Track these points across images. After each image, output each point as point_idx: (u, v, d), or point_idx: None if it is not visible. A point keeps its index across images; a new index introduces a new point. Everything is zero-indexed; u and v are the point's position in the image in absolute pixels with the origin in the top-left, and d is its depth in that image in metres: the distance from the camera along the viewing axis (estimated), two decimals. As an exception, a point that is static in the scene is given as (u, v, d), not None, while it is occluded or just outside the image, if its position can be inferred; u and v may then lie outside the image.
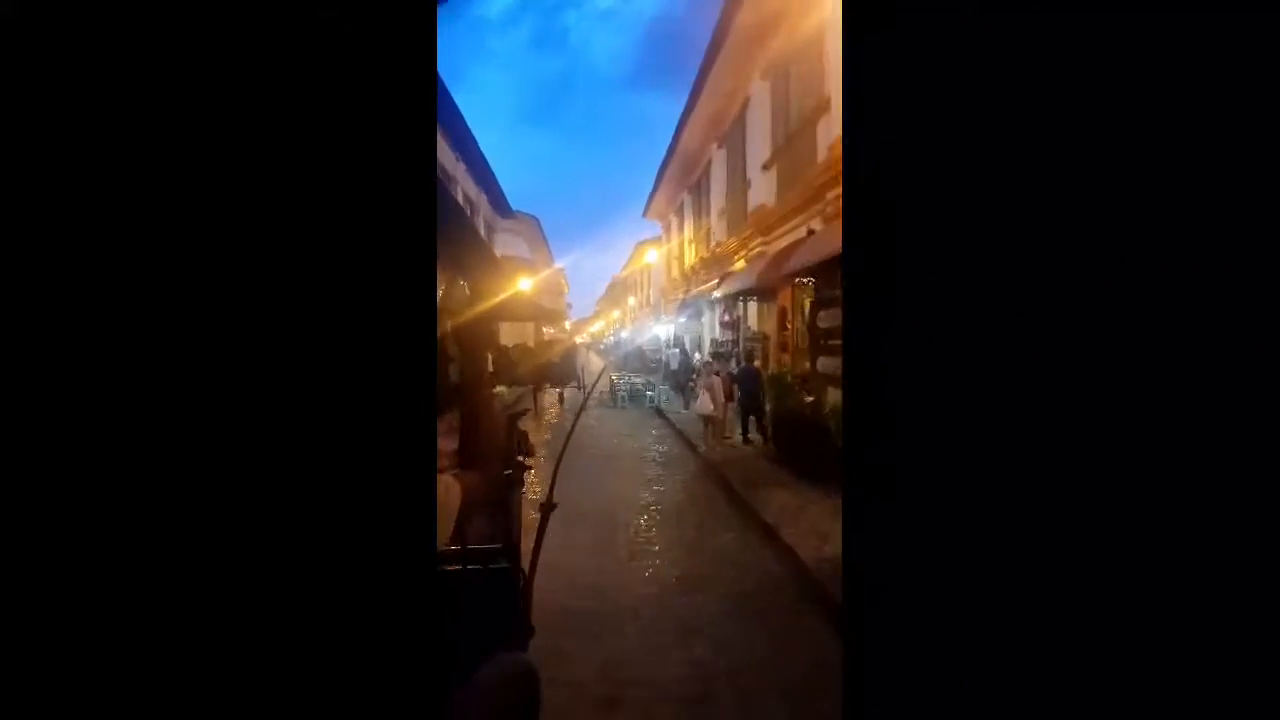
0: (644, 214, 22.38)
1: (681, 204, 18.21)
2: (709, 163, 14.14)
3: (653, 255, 21.72)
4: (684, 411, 11.80)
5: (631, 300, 33.47)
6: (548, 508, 1.81)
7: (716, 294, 11.35)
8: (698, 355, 14.39)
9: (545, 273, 25.27)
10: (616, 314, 41.85)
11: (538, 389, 13.61)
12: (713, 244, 13.52)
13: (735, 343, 12.10)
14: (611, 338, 42.55)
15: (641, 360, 22.83)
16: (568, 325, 48.41)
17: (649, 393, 13.72)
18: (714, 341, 13.41)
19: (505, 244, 19.70)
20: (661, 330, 22.27)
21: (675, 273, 19.26)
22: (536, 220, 26.97)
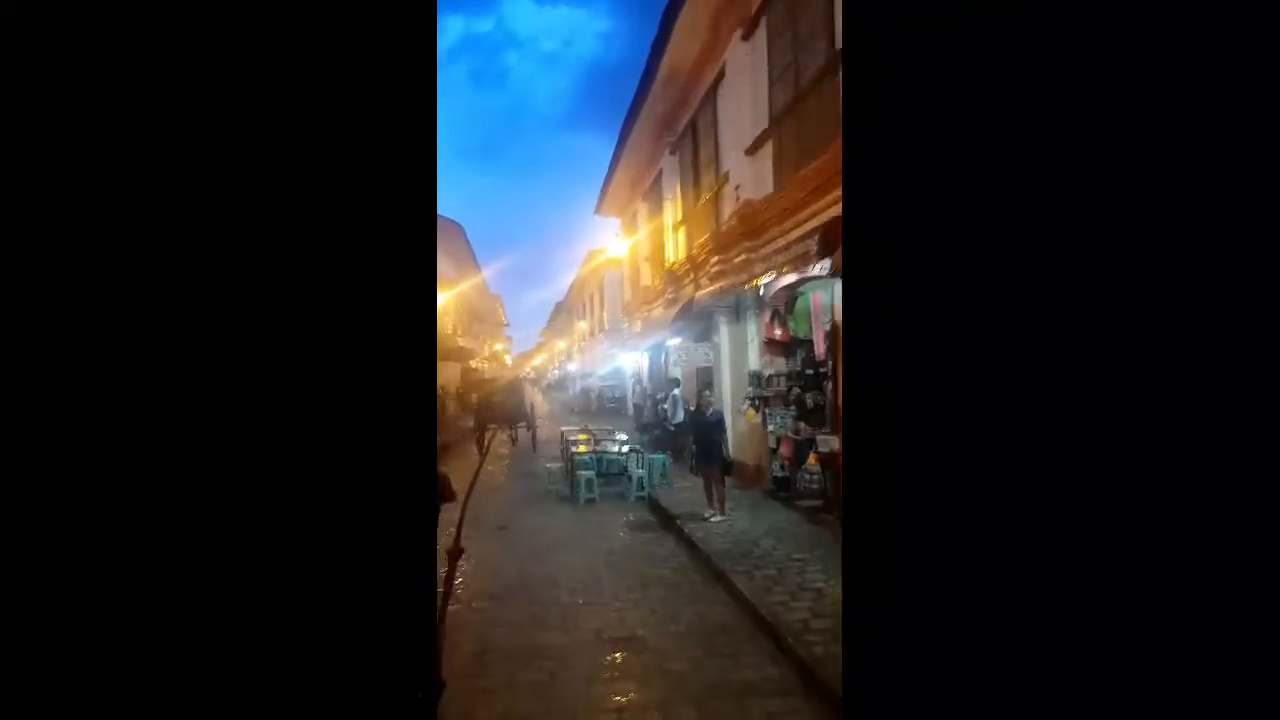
0: (597, 210, 16.59)
1: (659, 175, 12.41)
2: (719, 76, 8.45)
3: (620, 247, 15.53)
4: (710, 522, 5.74)
5: (581, 324, 27.33)
6: (454, 554, 1.97)
7: (784, 280, 5.47)
8: (707, 393, 8.29)
9: (463, 285, 18.82)
10: (562, 345, 35.61)
11: (480, 432, 9.15)
12: (738, 201, 7.63)
13: (797, 377, 6.29)
14: (556, 371, 36.28)
15: (597, 402, 16.75)
16: (509, 360, 42.31)
17: (637, 470, 7.56)
18: (754, 377, 7.42)
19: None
20: (627, 360, 16.27)
21: (650, 278, 13.35)
22: (460, 228, 20.86)
